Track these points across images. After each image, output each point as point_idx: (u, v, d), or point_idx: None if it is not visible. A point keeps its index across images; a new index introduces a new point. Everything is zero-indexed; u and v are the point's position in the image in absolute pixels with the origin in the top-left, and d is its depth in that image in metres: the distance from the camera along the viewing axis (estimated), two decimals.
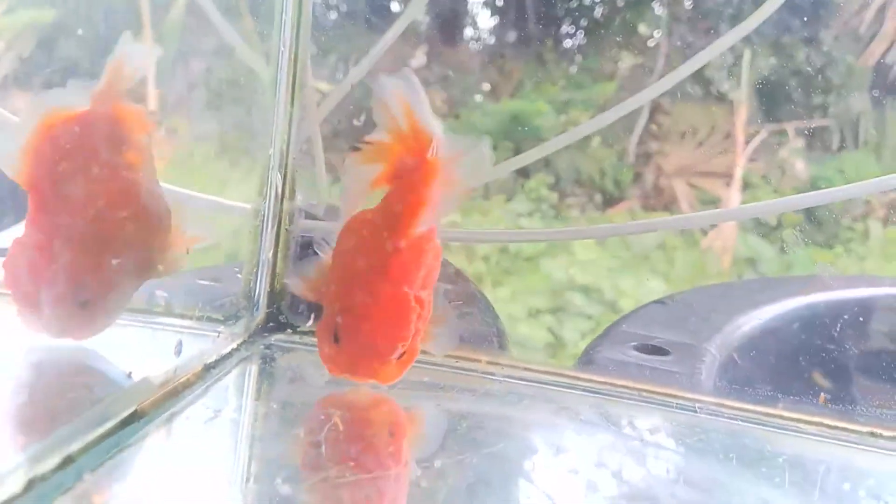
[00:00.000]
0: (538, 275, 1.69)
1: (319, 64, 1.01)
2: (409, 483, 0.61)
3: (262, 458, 0.65)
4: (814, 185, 1.64)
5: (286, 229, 0.85)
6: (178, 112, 0.81)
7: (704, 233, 1.62)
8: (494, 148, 1.50)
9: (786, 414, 0.79)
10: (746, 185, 1.72)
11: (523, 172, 1.77)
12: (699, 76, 1.71)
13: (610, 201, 1.80)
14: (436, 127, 0.69)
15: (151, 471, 0.58)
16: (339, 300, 0.69)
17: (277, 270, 0.87)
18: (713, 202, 1.89)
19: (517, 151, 1.56)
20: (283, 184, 0.83)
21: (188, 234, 0.70)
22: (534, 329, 1.53)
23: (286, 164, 0.84)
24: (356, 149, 0.70)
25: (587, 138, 1.87)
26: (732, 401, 0.79)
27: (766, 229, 1.52)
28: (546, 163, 1.86)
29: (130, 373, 0.69)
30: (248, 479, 0.61)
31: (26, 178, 0.64)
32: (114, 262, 0.66)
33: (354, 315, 0.68)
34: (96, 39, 0.74)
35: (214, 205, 0.81)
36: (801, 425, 0.79)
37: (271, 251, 0.86)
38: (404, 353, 0.69)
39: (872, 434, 0.78)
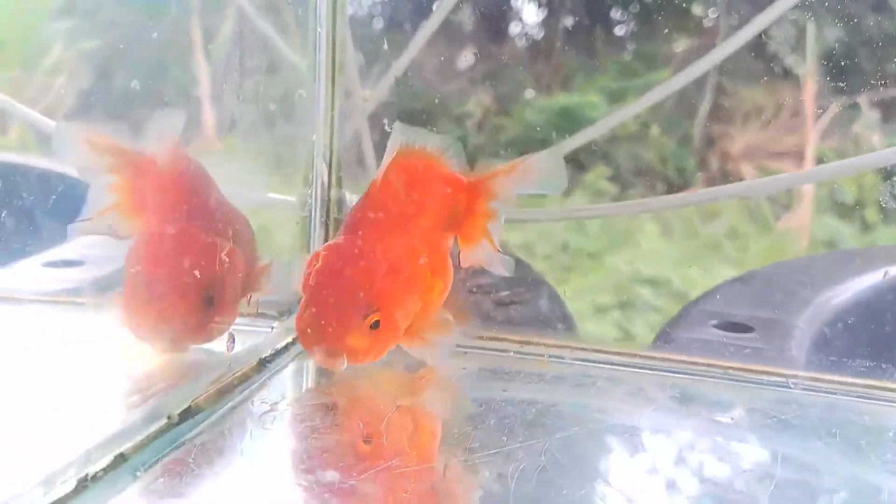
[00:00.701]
0: (602, 270, 1.63)
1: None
2: (475, 470, 0.56)
3: (320, 450, 0.60)
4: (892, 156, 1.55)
5: (335, 218, 0.81)
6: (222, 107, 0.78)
7: (777, 216, 1.54)
8: (543, 142, 1.42)
9: (891, 386, 0.72)
10: (819, 162, 1.63)
11: (580, 166, 1.71)
12: (761, 53, 1.63)
13: (673, 190, 1.72)
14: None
15: (206, 466, 0.55)
16: (311, 264, 0.67)
17: None
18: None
19: (573, 145, 1.49)
20: (329, 172, 0.80)
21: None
22: (601, 326, 1.47)
23: (331, 152, 0.81)
24: None
25: (645, 125, 1.82)
26: (829, 374, 0.72)
27: (843, 209, 1.44)
28: (604, 155, 1.79)
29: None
30: (305, 471, 0.56)
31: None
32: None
33: (322, 274, 0.66)
34: (151, 65, 0.71)
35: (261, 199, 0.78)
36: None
37: (321, 241, 0.82)
38: (379, 322, 0.66)
39: None
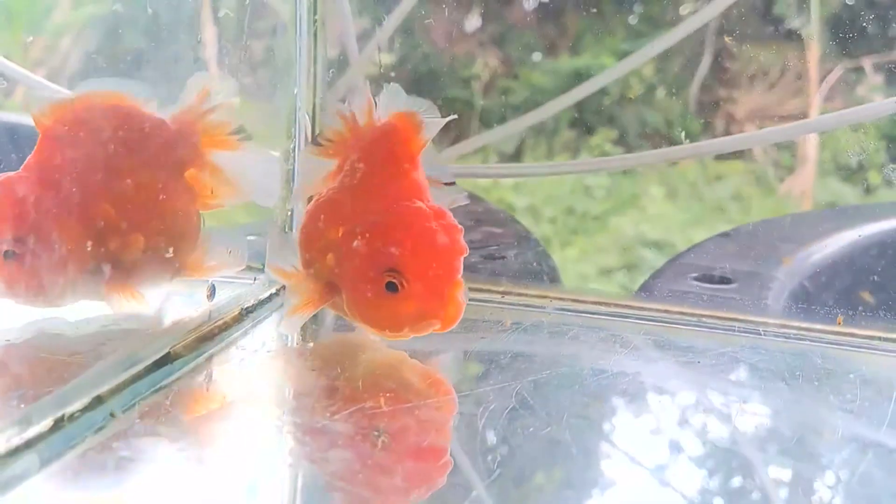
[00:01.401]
0: (607, 233, 1.65)
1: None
2: (447, 411, 0.58)
3: (299, 394, 0.63)
4: (895, 120, 1.55)
5: None
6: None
7: (781, 179, 1.54)
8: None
9: (858, 332, 0.73)
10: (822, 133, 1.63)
11: (587, 129, 1.72)
12: (767, 14, 1.63)
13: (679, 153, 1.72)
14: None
15: (183, 409, 0.57)
16: (381, 238, 0.63)
17: None
18: (788, 147, 1.80)
19: (580, 109, 1.50)
20: (313, 124, 0.81)
21: (210, 263, 0.70)
22: (607, 287, 1.49)
23: (314, 104, 0.82)
24: (317, 143, 0.68)
25: (651, 88, 1.82)
26: (799, 322, 0.74)
27: (846, 172, 1.45)
28: (610, 117, 1.80)
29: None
30: (283, 413, 0.59)
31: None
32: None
33: (415, 243, 0.63)
34: (157, 30, 0.73)
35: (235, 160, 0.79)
36: (875, 342, 0.73)
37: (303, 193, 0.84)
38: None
39: None
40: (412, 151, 0.67)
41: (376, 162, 0.68)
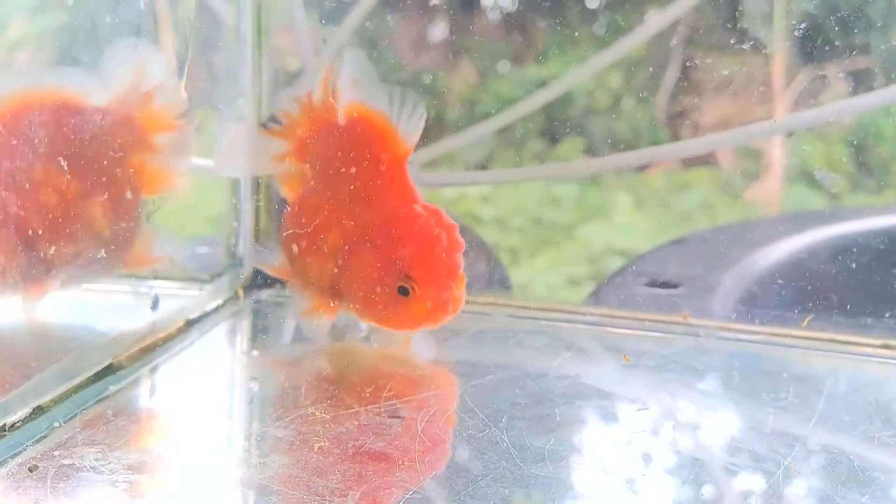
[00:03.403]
0: (576, 243, 1.65)
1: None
2: (389, 415, 0.59)
3: (244, 401, 0.63)
4: (860, 127, 1.56)
5: (266, 182, 0.83)
6: None
7: (747, 188, 1.55)
8: (526, 117, 1.44)
9: (794, 333, 0.75)
10: (789, 135, 1.64)
11: (554, 138, 1.73)
12: (732, 25, 1.65)
13: (646, 162, 1.74)
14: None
15: (125, 418, 0.57)
16: (391, 246, 0.66)
17: (260, 225, 0.85)
18: (754, 156, 1.82)
19: (549, 118, 1.51)
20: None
21: (153, 254, 0.70)
22: (576, 298, 1.49)
23: (259, 113, 0.83)
24: (265, 127, 0.70)
25: (618, 99, 1.83)
26: (739, 324, 0.75)
27: (812, 178, 1.46)
28: (579, 127, 1.81)
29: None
30: (226, 420, 0.59)
31: None
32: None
33: (423, 249, 0.67)
34: (114, 43, 0.73)
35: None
36: (812, 342, 0.75)
37: (250, 204, 0.84)
38: None
39: (886, 346, 0.73)
40: (402, 156, 0.69)
41: (367, 167, 0.70)
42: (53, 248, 0.65)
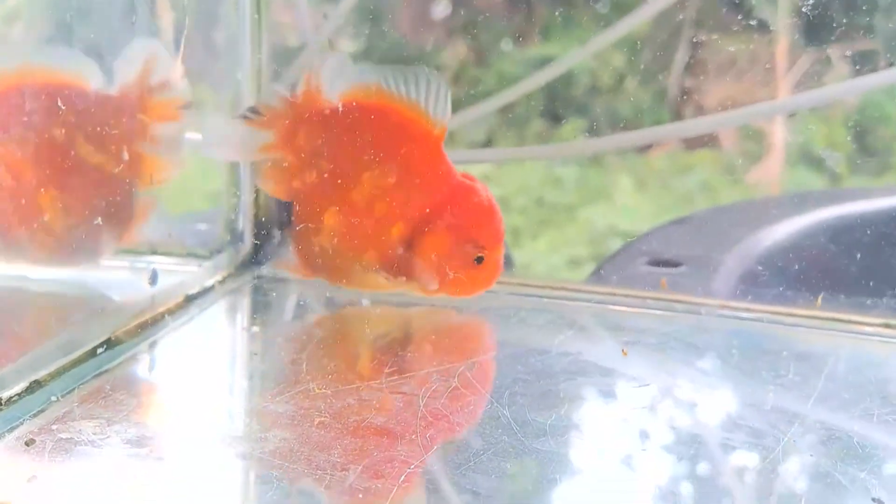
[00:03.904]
0: (577, 224, 1.65)
1: None
2: (390, 392, 0.59)
3: (244, 377, 0.63)
4: (862, 110, 1.56)
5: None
6: None
7: (748, 169, 1.55)
8: (527, 96, 1.44)
9: (796, 312, 0.74)
10: (791, 117, 1.64)
11: (556, 119, 1.73)
12: (737, 6, 1.64)
13: (650, 143, 1.73)
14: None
15: (123, 391, 0.57)
16: (464, 220, 0.72)
17: (261, 200, 0.85)
18: (757, 137, 1.81)
19: (551, 97, 1.51)
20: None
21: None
22: (577, 278, 1.49)
23: (259, 86, 0.82)
24: (247, 118, 0.70)
25: (621, 78, 1.83)
26: (740, 302, 0.75)
27: (814, 160, 1.46)
28: (580, 108, 1.80)
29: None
30: (226, 395, 0.59)
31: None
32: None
33: (487, 220, 0.72)
34: (113, 19, 0.73)
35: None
36: (813, 321, 0.75)
37: (250, 182, 0.84)
38: None
39: (887, 325, 0.73)
40: (438, 136, 0.71)
41: (406, 153, 0.72)
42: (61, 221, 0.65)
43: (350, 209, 0.74)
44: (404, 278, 0.77)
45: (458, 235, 0.74)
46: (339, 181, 0.74)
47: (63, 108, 0.64)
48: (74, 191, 0.66)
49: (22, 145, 0.64)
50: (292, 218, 0.77)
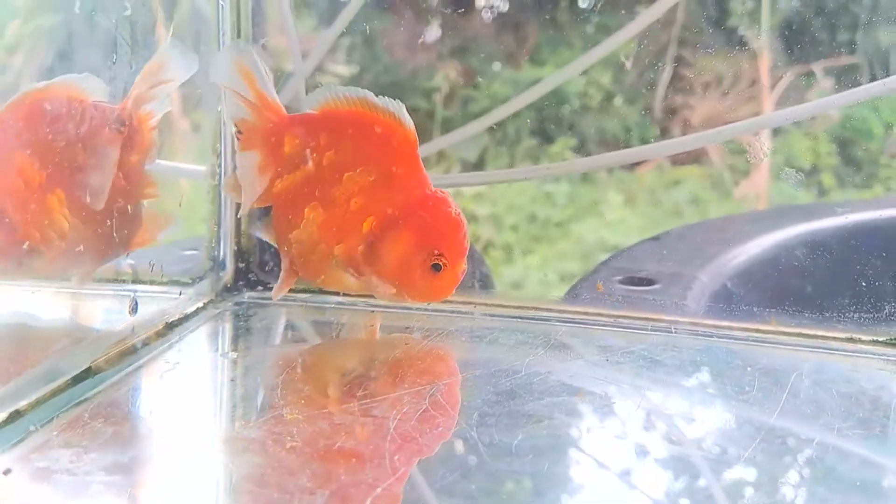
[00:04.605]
0: (568, 239, 1.66)
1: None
2: (362, 415, 0.60)
3: (220, 403, 0.65)
4: (846, 124, 1.57)
5: None
6: None
7: (736, 183, 1.56)
8: (518, 115, 1.46)
9: (762, 328, 0.76)
10: (776, 132, 1.65)
11: (546, 138, 1.74)
12: (720, 25, 1.66)
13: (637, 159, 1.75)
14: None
15: (101, 420, 0.59)
16: (425, 229, 0.74)
17: (242, 228, 0.87)
18: (743, 152, 1.83)
19: (540, 118, 1.52)
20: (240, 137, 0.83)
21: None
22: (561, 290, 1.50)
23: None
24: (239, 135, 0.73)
25: (609, 97, 1.84)
26: (710, 319, 0.76)
27: (800, 175, 1.47)
28: (570, 125, 1.82)
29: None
30: (203, 422, 0.61)
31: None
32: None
33: (450, 231, 0.74)
34: (111, 45, 0.75)
35: (167, 170, 0.81)
36: (779, 336, 0.76)
37: (233, 210, 0.86)
38: None
39: (851, 339, 0.74)
40: (413, 144, 0.78)
41: (385, 159, 0.76)
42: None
43: (330, 203, 0.77)
44: (373, 277, 0.79)
45: (421, 239, 0.77)
46: (322, 180, 0.76)
47: (71, 121, 0.67)
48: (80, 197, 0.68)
49: (38, 155, 0.66)
50: (271, 221, 0.80)
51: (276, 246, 0.81)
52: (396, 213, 0.77)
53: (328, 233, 0.78)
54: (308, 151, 0.77)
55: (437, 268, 0.77)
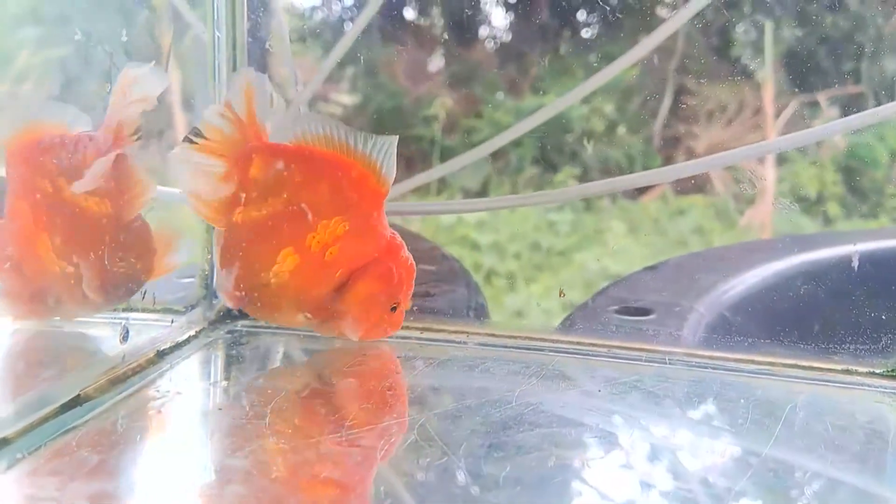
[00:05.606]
0: (571, 268, 1.66)
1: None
2: (349, 445, 0.60)
3: (208, 432, 0.64)
4: (852, 153, 1.57)
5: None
6: None
7: (741, 212, 1.56)
8: (520, 145, 1.47)
9: (758, 359, 0.75)
10: (782, 160, 1.65)
11: (551, 167, 1.75)
12: (724, 54, 1.66)
13: (642, 188, 1.75)
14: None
15: (90, 449, 0.58)
16: (387, 277, 0.79)
17: None
18: (748, 181, 1.82)
19: (543, 147, 1.53)
20: None
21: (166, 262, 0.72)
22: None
23: None
24: (191, 140, 0.72)
25: (612, 125, 1.85)
26: (705, 350, 0.75)
27: (805, 203, 1.47)
28: (573, 155, 1.82)
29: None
30: (189, 451, 0.60)
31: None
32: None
33: (407, 276, 0.81)
34: (106, 75, 0.75)
35: (164, 195, 0.81)
36: (774, 368, 0.75)
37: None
38: None
39: (848, 371, 0.73)
40: (383, 194, 0.79)
41: (357, 206, 0.79)
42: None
43: (305, 252, 0.77)
44: (328, 322, 0.82)
45: (387, 287, 0.81)
46: (294, 221, 0.76)
47: (58, 157, 0.67)
48: (79, 233, 0.68)
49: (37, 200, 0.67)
50: (222, 248, 0.79)
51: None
52: (365, 261, 0.80)
53: (300, 279, 0.78)
54: (277, 186, 0.76)
55: (394, 309, 0.82)
